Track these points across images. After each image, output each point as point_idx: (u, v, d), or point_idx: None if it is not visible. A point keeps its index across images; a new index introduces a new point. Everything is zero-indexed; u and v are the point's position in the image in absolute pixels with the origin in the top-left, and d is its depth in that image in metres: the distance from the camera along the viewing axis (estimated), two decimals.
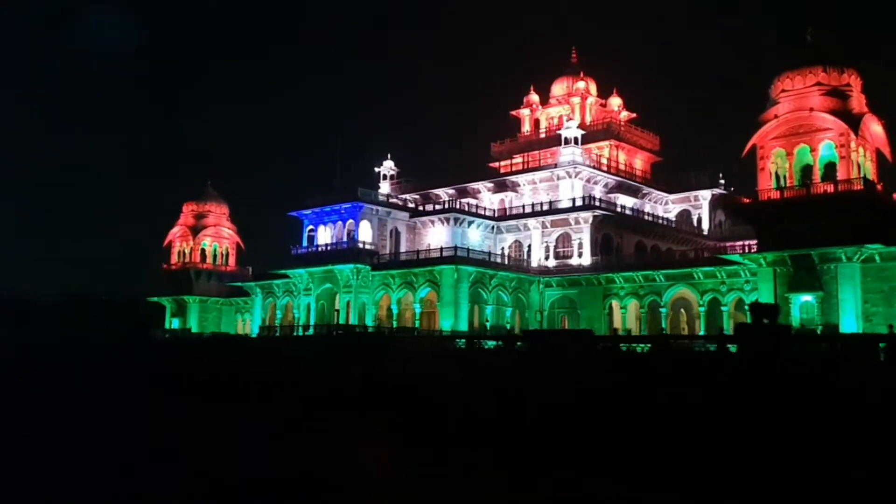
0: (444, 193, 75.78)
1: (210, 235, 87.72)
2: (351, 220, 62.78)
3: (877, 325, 44.87)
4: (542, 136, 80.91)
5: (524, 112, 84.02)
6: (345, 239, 63.05)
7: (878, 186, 46.71)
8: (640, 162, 79.59)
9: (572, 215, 62.14)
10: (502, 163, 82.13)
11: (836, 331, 45.04)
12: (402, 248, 64.98)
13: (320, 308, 65.20)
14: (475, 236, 64.86)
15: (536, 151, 78.82)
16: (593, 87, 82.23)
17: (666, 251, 67.52)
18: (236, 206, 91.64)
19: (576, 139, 68.89)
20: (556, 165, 67.98)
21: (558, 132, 76.18)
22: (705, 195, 73.34)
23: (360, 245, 61.70)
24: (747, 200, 49.88)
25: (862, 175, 46.00)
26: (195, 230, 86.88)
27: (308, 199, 66.56)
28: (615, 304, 59.37)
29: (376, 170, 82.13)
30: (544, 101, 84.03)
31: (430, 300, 61.15)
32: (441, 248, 59.30)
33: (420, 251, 61.51)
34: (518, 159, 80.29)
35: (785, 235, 47.01)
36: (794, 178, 48.29)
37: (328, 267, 62.65)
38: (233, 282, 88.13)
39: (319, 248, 64.49)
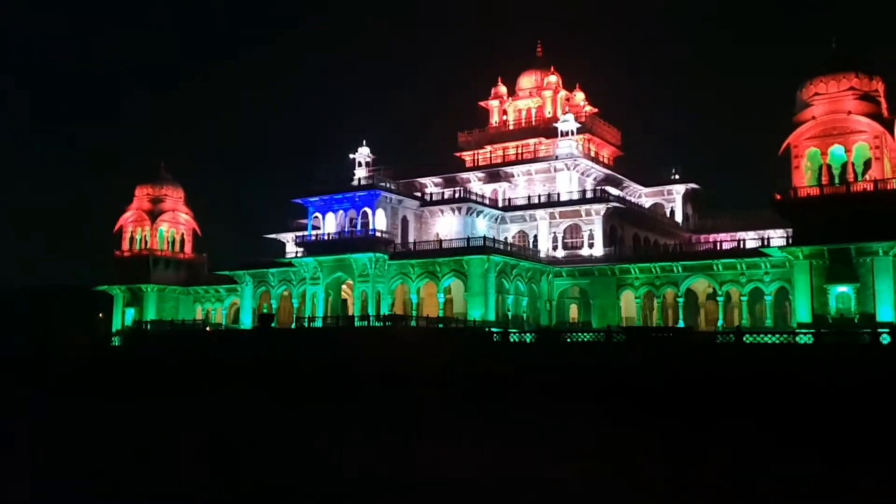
0: (430, 183, 73.75)
1: (167, 221, 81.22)
2: (367, 208, 59.60)
3: None
4: (512, 127, 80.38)
5: (493, 103, 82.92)
6: (359, 227, 59.87)
7: None
8: (606, 155, 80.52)
9: (583, 207, 61.86)
10: (467, 152, 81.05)
11: (872, 319, 47.30)
12: (411, 237, 62.49)
13: (325, 297, 61.71)
14: (482, 226, 63.38)
15: (510, 143, 78.11)
16: (560, 81, 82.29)
17: (654, 243, 68.73)
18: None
19: (571, 132, 68.53)
20: (556, 157, 67.46)
21: (553, 124, 75.47)
22: (679, 189, 75.13)
23: (378, 233, 58.78)
24: (779, 197, 51.16)
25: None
26: (153, 215, 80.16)
27: (314, 185, 62.87)
28: (629, 294, 59.67)
29: (351, 156, 78.71)
30: (511, 93, 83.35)
31: (447, 290, 59.22)
32: (468, 238, 57.36)
33: (442, 241, 59.06)
34: (488, 149, 79.43)
35: (822, 230, 48.61)
36: (828, 177, 50.12)
37: (341, 256, 59.27)
38: (190, 268, 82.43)
39: (328, 236, 60.91)
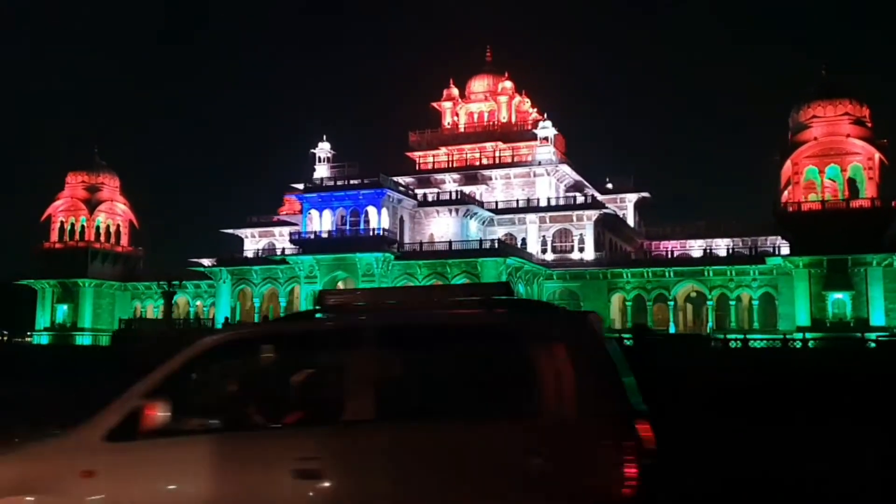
0: (401, 181, 71.72)
1: (104, 211, 73.82)
2: (371, 207, 57.01)
3: (892, 320, 51.84)
4: (464, 129, 79.90)
5: (446, 105, 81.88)
6: (361, 225, 57.23)
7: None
8: None
9: (575, 212, 62.54)
10: (419, 152, 79.92)
11: (866, 323, 51.26)
12: (406, 237, 60.54)
13: None
14: (473, 228, 62.52)
15: (465, 145, 77.49)
16: (514, 87, 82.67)
17: (620, 248, 70.69)
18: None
19: (549, 138, 69.14)
20: (539, 163, 67.68)
21: (510, 129, 75.86)
22: (631, 197, 77.61)
23: (383, 232, 56.50)
24: (781, 210, 54.28)
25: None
26: (90, 204, 72.49)
27: (307, 182, 59.42)
28: (619, 297, 61.03)
29: (311, 151, 75.20)
30: (462, 95, 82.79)
31: None
32: (481, 240, 56.51)
33: (452, 242, 57.59)
34: (443, 150, 78.49)
35: (821, 241, 51.97)
36: (825, 193, 53.76)
37: (343, 255, 56.40)
38: (127, 263, 75.46)
39: (327, 234, 57.77)
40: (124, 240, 76.04)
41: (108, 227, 74.27)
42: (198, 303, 71.87)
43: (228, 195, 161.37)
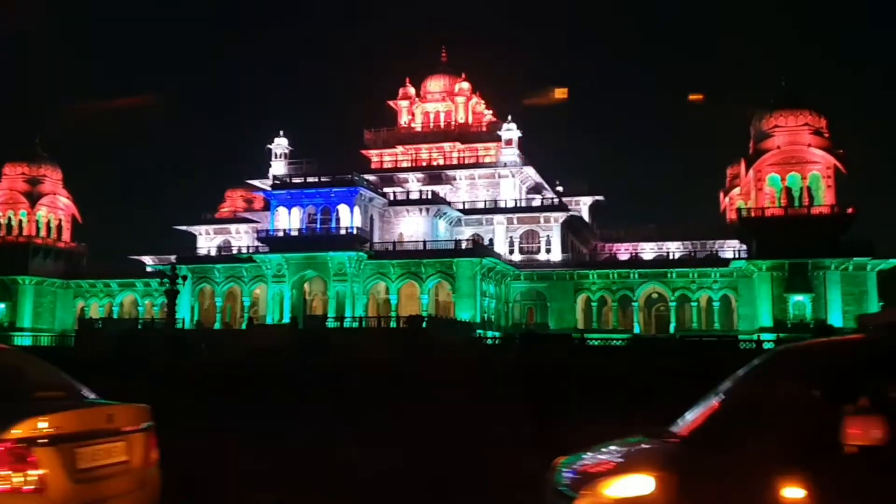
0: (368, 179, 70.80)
1: (46, 205, 70.00)
2: (344, 205, 55.90)
3: (848, 321, 54.29)
4: (420, 129, 79.56)
5: (402, 104, 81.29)
6: (333, 223, 56.15)
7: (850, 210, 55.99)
8: None
9: (543, 214, 63.09)
10: (374, 150, 79.09)
11: (825, 324, 53.53)
12: (375, 236, 59.73)
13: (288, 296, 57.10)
14: (442, 228, 62.27)
15: (422, 145, 77.14)
16: (471, 88, 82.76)
17: (578, 249, 71.70)
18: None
19: (513, 140, 69.49)
20: (504, 164, 67.92)
21: (467, 130, 75.94)
22: (586, 200, 78.75)
23: (356, 231, 55.58)
24: (745, 215, 56.17)
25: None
26: (31, 198, 68.58)
27: (276, 179, 57.87)
28: (585, 297, 61.86)
29: (268, 147, 73.41)
30: (418, 95, 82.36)
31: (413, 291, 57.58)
32: (456, 241, 56.35)
33: (426, 241, 57.09)
34: (399, 150, 77.90)
35: (782, 246, 54.09)
36: (786, 200, 55.87)
37: (314, 253, 55.18)
38: (70, 260, 71.80)
39: (297, 232, 56.41)
40: (66, 235, 72.35)
41: (49, 221, 70.47)
42: (146, 302, 68.98)
43: (176, 192, 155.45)
